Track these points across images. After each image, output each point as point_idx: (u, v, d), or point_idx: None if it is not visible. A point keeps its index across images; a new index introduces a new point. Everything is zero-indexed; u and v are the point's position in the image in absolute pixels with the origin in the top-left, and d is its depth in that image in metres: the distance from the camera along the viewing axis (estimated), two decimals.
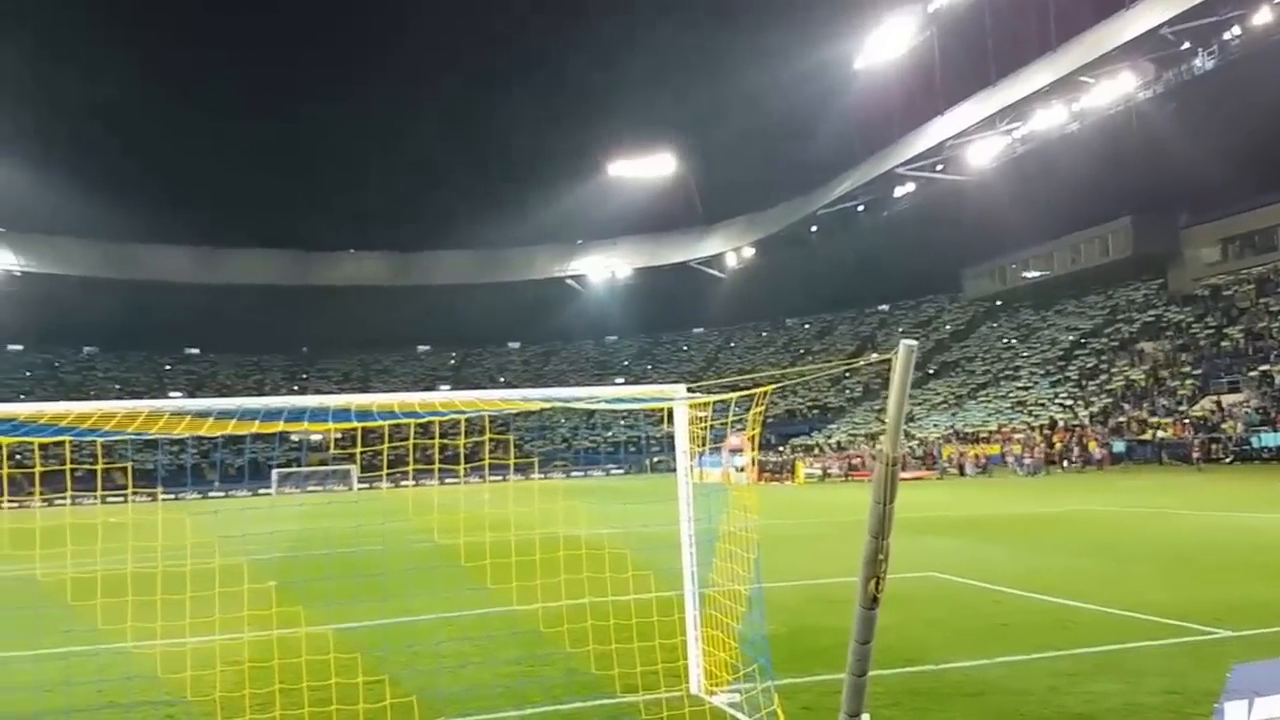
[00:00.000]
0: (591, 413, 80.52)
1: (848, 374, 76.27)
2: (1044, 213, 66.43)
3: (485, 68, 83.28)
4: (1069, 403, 57.72)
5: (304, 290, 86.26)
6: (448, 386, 77.00)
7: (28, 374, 79.88)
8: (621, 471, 71.59)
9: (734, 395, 7.03)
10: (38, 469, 7.04)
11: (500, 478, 47.56)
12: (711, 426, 7.25)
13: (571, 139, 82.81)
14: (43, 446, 7.14)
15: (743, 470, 36.75)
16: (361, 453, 57.84)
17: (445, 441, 9.21)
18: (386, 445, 7.94)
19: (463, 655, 8.66)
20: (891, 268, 79.58)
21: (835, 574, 13.14)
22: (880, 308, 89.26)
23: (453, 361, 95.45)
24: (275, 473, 60.94)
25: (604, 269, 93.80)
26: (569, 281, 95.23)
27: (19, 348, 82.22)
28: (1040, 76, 55.57)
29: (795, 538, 19.18)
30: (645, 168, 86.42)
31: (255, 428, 7.45)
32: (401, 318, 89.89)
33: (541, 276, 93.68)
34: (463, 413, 7.63)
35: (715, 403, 7.02)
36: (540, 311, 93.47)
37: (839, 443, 64.82)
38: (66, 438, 6.88)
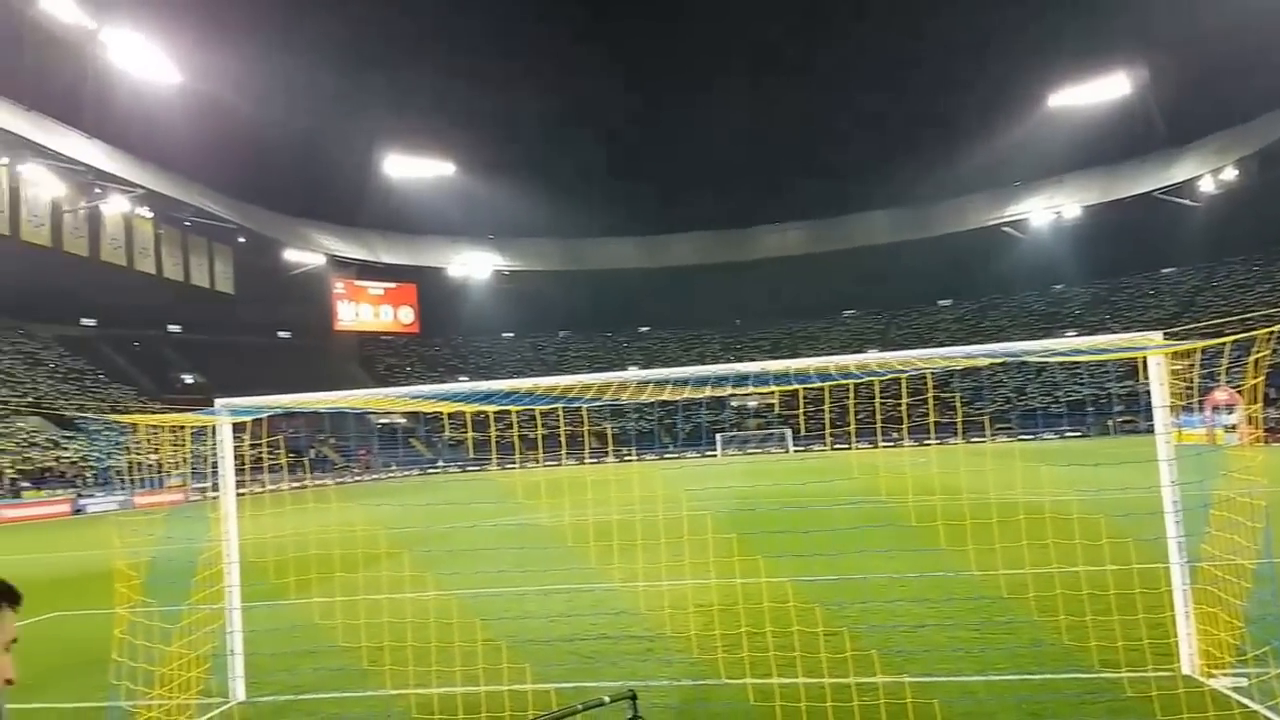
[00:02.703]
0: (1040, 369, 74.66)
1: None
2: None
3: (902, 6, 79.92)
4: None
5: (733, 266, 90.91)
6: (876, 350, 76.22)
7: (518, 356, 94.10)
8: (1078, 433, 65.44)
9: (1225, 340, 6.08)
10: (539, 433, 8.27)
11: (939, 441, 46.21)
12: (1192, 380, 6.35)
13: (1006, 74, 76.63)
14: (536, 415, 8.41)
15: (1232, 429, 31.66)
16: (797, 415, 59.89)
17: (884, 401, 9.13)
18: (828, 405, 8.09)
19: (919, 616, 8.60)
20: None
21: None
22: None
23: (880, 324, 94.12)
24: (719, 436, 65.22)
25: (1047, 211, 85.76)
26: (1005, 229, 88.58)
27: (510, 335, 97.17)
28: None
29: None
30: (1093, 93, 77.21)
31: (707, 393, 8.06)
32: (825, 284, 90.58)
33: (973, 227, 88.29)
34: (901, 372, 7.53)
35: (1204, 348, 6.11)
36: (973, 265, 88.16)
37: None
38: (559, 406, 8.02)
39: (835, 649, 7.07)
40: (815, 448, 56.12)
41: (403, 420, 70.82)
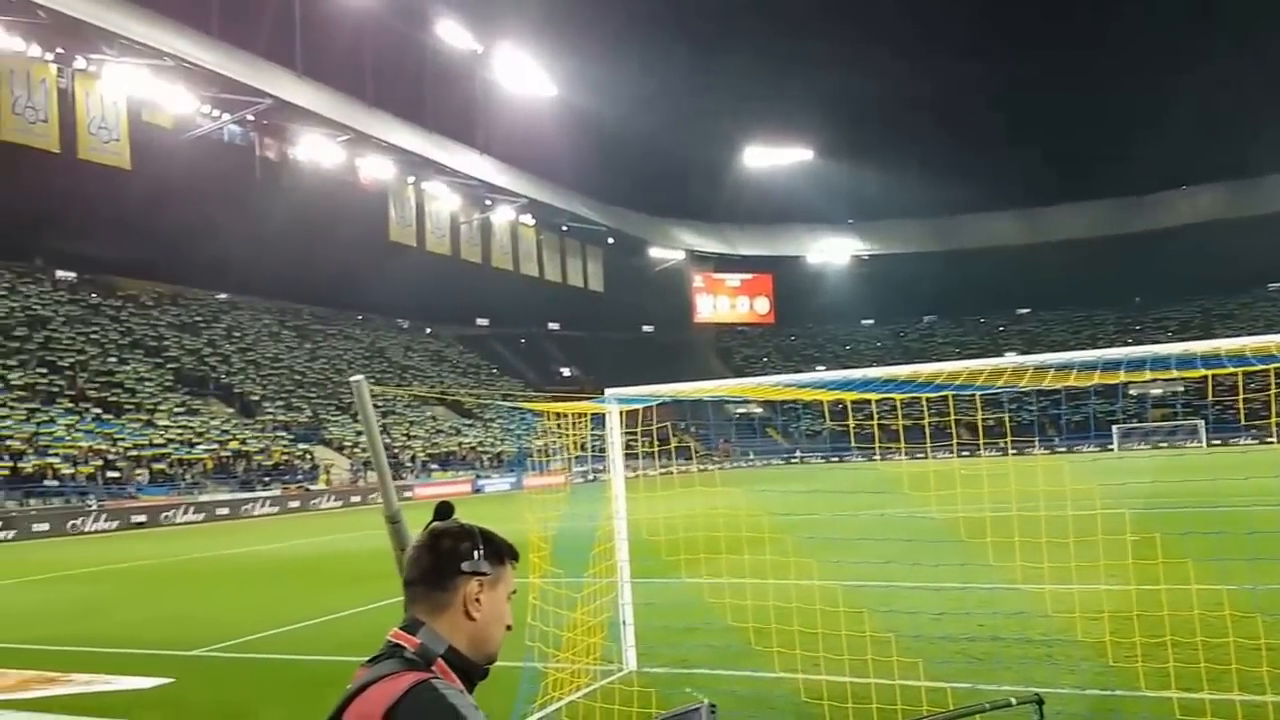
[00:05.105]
0: None
1: None
2: None
3: None
4: None
5: (1130, 238, 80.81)
6: None
7: (878, 344, 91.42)
8: None
9: None
10: (926, 421, 7.93)
11: None
12: None
13: None
14: (901, 403, 8.11)
15: None
16: (1232, 403, 51.13)
17: None
18: (1275, 391, 6.91)
19: None
20: None
21: None
22: None
23: None
24: (1115, 428, 58.77)
25: None
26: None
27: (870, 322, 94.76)
28: None
29: None
30: None
31: (1122, 377, 7.28)
32: (1246, 254, 77.31)
33: None
34: None
35: None
36: None
37: None
38: (948, 393, 7.66)
39: (1278, 663, 6.14)
40: (1239, 441, 48.62)
41: (759, 410, 72.11)
